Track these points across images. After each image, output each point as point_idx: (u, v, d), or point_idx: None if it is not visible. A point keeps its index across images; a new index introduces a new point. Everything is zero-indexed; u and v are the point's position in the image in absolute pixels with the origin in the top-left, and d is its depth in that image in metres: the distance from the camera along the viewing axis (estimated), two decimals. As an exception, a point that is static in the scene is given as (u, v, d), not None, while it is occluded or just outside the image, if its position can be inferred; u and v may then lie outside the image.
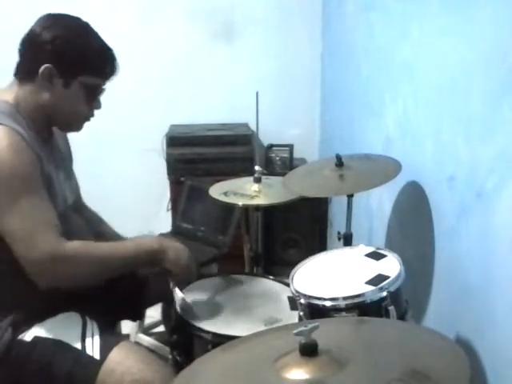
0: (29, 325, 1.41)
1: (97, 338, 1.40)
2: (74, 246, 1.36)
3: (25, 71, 1.44)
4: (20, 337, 1.39)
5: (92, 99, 1.49)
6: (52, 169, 1.46)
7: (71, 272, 1.35)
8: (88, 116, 1.52)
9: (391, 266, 1.39)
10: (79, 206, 1.72)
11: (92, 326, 1.43)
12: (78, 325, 1.43)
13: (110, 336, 1.45)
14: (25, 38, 1.44)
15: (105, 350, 1.37)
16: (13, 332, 1.39)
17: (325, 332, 0.87)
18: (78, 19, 1.47)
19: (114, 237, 1.75)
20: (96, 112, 1.53)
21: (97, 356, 1.36)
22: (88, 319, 1.46)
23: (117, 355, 1.36)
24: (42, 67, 1.39)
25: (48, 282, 1.32)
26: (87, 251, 1.38)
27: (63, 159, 1.60)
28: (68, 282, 1.36)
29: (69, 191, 1.57)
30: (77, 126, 1.54)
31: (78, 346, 1.37)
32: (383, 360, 0.86)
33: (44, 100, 1.43)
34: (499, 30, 1.22)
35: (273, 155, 3.14)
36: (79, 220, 1.62)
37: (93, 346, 1.37)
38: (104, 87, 1.51)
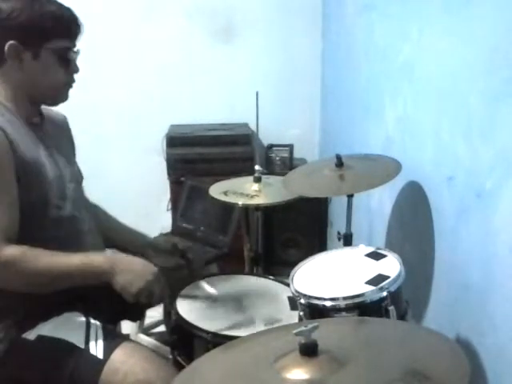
0: (33, 324, 1.40)
1: (100, 338, 1.39)
2: (14, 252, 1.30)
3: None
4: (24, 335, 1.39)
5: (66, 64, 1.44)
6: (41, 153, 1.43)
7: (4, 278, 1.32)
8: (68, 82, 1.48)
9: (391, 265, 1.39)
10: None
11: (95, 326, 1.43)
12: (82, 324, 1.42)
13: (113, 336, 1.45)
14: None
15: (108, 349, 1.37)
16: (17, 330, 1.39)
17: (325, 332, 0.87)
18: None
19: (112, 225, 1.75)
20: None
21: (100, 355, 1.35)
22: (91, 319, 1.45)
23: (120, 354, 1.36)
24: (7, 46, 1.35)
25: None
26: (26, 260, 1.31)
27: (61, 145, 1.57)
28: (2, 286, 1.33)
29: (70, 177, 1.54)
30: (61, 96, 1.50)
31: (82, 345, 1.37)
32: (383, 360, 0.86)
33: (19, 79, 1.40)
34: (499, 30, 1.22)
35: (273, 155, 3.14)
36: (82, 204, 1.60)
37: (96, 346, 1.37)
38: (77, 49, 1.46)
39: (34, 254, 1.33)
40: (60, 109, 1.58)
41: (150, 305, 1.50)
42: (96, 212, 1.74)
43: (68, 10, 1.44)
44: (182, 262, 1.69)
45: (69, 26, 1.44)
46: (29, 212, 1.37)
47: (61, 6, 1.43)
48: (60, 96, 1.50)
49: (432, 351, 0.87)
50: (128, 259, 1.43)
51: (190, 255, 1.70)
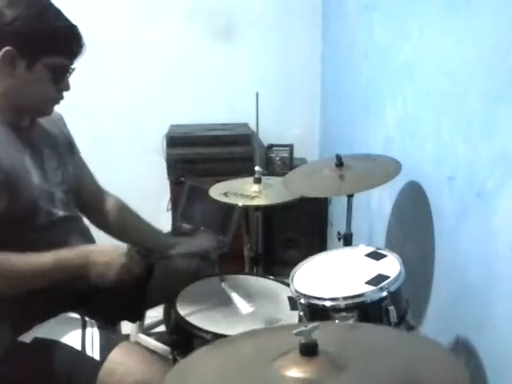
0: (29, 326, 1.40)
1: (97, 339, 1.38)
2: None
3: None
4: (20, 338, 1.38)
5: (59, 80, 1.42)
6: (25, 158, 1.41)
7: None
8: (56, 98, 1.46)
9: (391, 265, 1.39)
10: (96, 194, 1.71)
11: (92, 327, 1.42)
12: (78, 325, 1.42)
13: (111, 336, 1.44)
14: None
15: (105, 350, 1.36)
16: (13, 334, 1.38)
17: (324, 334, 0.87)
18: None
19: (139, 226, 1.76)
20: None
21: (97, 357, 1.35)
22: (88, 320, 1.45)
23: (117, 355, 1.35)
24: (3, 51, 1.33)
25: None
26: (4, 263, 1.32)
27: (55, 144, 1.55)
28: None
29: (60, 179, 1.52)
30: (45, 110, 1.48)
31: (78, 346, 1.36)
32: (382, 365, 0.86)
33: (7, 85, 1.38)
34: (499, 30, 1.22)
35: (273, 155, 3.14)
36: (70, 209, 1.57)
37: (92, 347, 1.36)
38: (72, 67, 1.44)
39: (6, 257, 1.32)
40: (60, 108, 1.57)
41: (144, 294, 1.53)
42: (121, 207, 1.76)
43: (74, 28, 1.42)
44: (202, 263, 1.72)
45: (71, 45, 1.41)
46: (17, 218, 1.37)
47: (68, 23, 1.41)
48: (43, 110, 1.48)
49: (429, 360, 0.87)
50: (98, 249, 1.45)
51: (212, 256, 1.74)
